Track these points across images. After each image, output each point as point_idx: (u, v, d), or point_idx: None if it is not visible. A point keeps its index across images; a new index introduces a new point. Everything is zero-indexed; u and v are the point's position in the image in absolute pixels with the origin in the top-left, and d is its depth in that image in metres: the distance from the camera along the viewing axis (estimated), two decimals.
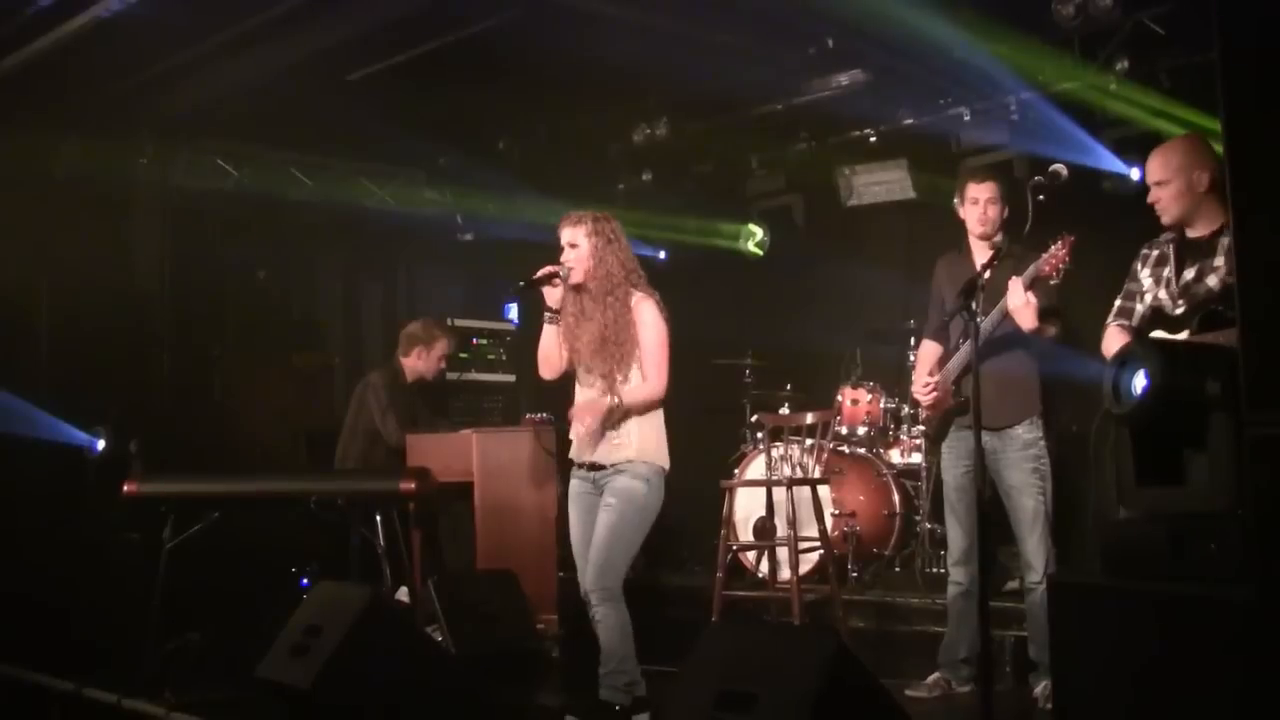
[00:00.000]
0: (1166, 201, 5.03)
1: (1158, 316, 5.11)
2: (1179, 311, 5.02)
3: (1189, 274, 5.01)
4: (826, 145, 9.79)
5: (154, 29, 7.66)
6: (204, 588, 7.48)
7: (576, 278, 5.73)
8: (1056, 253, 5.69)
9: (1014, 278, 5.77)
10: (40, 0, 7.48)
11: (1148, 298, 5.20)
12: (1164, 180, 5.02)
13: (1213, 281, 4.93)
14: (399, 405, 8.45)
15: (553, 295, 5.80)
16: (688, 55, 8.38)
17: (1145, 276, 5.22)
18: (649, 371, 5.68)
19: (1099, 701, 4.02)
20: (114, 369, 9.03)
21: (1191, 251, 5.04)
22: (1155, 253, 5.20)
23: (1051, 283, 5.80)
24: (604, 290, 5.69)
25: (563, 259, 5.76)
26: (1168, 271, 5.10)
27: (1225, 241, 4.86)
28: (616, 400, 5.63)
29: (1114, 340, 5.26)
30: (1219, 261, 4.92)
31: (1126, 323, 5.24)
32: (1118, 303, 5.33)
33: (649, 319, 5.69)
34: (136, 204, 9.98)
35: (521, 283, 5.93)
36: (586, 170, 10.68)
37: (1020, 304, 5.75)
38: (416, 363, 8.67)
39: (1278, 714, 3.36)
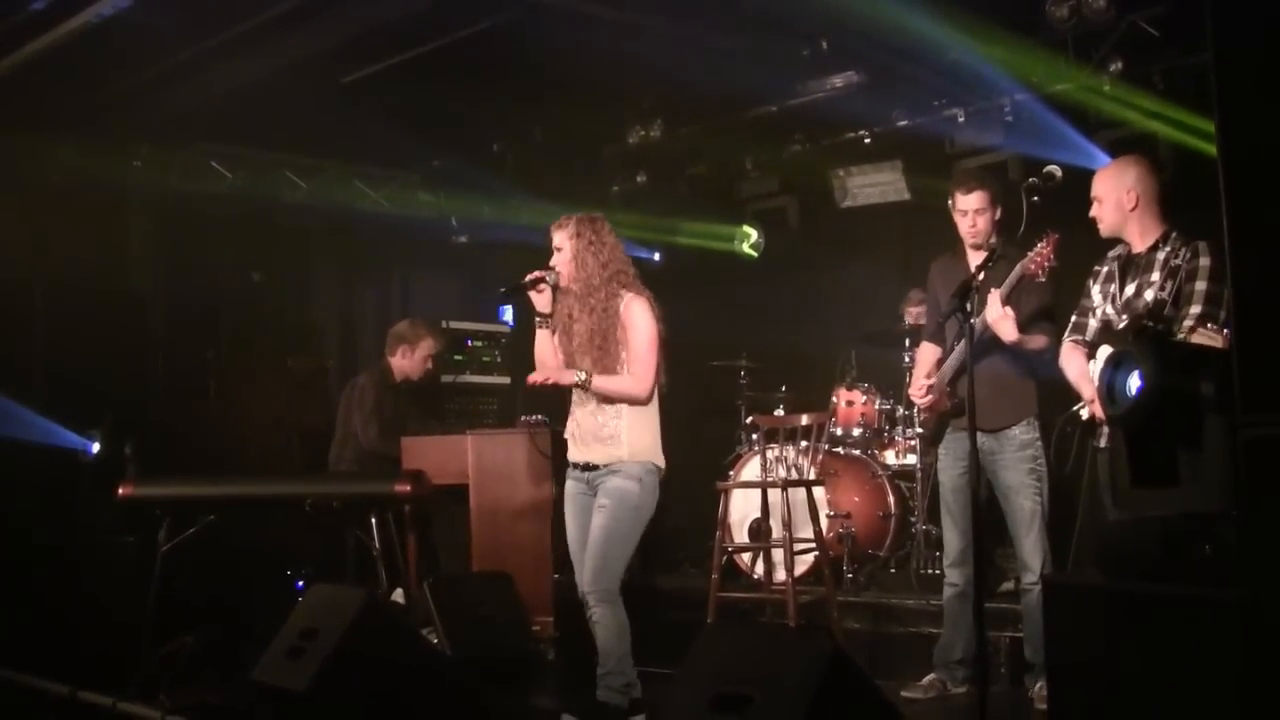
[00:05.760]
0: (1101, 215, 5.49)
1: (1105, 331, 5.47)
2: (1121, 326, 5.37)
3: (1130, 289, 5.41)
4: (821, 147, 9.77)
5: (149, 31, 7.65)
6: (199, 590, 7.49)
7: (564, 281, 5.76)
8: (1041, 251, 5.72)
9: (992, 290, 5.78)
10: (35, 2, 7.47)
11: (1098, 313, 5.56)
12: (1099, 196, 5.50)
13: (1149, 296, 5.33)
14: (384, 410, 8.44)
15: (541, 300, 5.83)
16: (682, 57, 8.37)
17: (1096, 293, 5.58)
18: (635, 370, 5.69)
19: (1094, 702, 4.03)
20: (109, 371, 9.00)
21: (1132, 268, 5.44)
22: (1104, 269, 5.58)
23: (1039, 280, 5.82)
24: (585, 292, 5.72)
25: (551, 262, 5.79)
26: (1113, 288, 5.49)
27: (1160, 257, 5.34)
28: (585, 377, 5.66)
29: (1069, 356, 5.65)
30: (1155, 276, 5.32)
31: (1080, 338, 5.64)
32: (1073, 318, 5.70)
33: (639, 321, 5.70)
34: (131, 206, 9.97)
35: (503, 289, 5.95)
36: (581, 172, 10.68)
37: (997, 316, 5.78)
38: (402, 362, 8.66)
39: (1272, 714, 3.37)
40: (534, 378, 5.80)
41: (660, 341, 5.75)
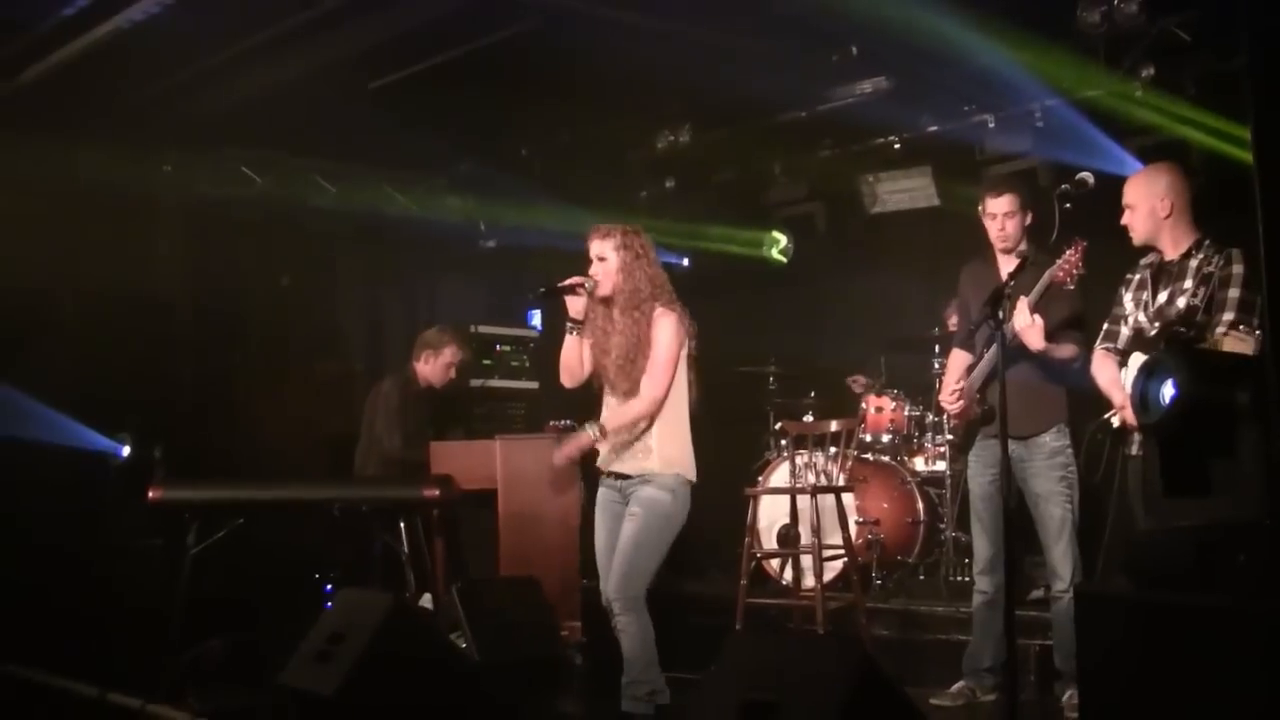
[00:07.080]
0: (1134, 224, 5.45)
1: (1138, 338, 5.44)
2: (1154, 333, 5.35)
3: (1162, 297, 5.37)
4: (850, 152, 9.75)
5: (177, 37, 7.68)
6: (227, 594, 7.50)
7: (603, 291, 5.73)
8: (1069, 258, 5.68)
9: (1021, 298, 5.75)
10: (65, 8, 7.51)
11: (1130, 320, 5.52)
12: (1132, 205, 5.45)
13: (1181, 303, 5.30)
14: (408, 416, 8.46)
15: (575, 305, 5.82)
16: (710, 62, 8.36)
17: (1128, 300, 5.55)
18: (643, 385, 5.68)
19: (1125, 711, 4.00)
20: (137, 375, 9.04)
21: (1165, 275, 5.40)
22: (1136, 277, 5.54)
23: (1067, 288, 5.77)
24: (630, 305, 5.69)
25: (590, 271, 5.76)
26: (1145, 295, 5.45)
27: (1193, 264, 5.30)
28: (598, 434, 5.74)
29: (1100, 364, 5.63)
30: (1187, 283, 5.28)
31: (1112, 345, 5.61)
32: (1105, 326, 5.67)
33: (663, 336, 5.68)
34: (159, 211, 9.99)
35: (543, 289, 5.94)
36: (609, 177, 10.66)
37: (1025, 325, 5.74)
38: (425, 368, 8.69)
39: None
40: (558, 459, 6.13)
41: (691, 357, 5.77)
